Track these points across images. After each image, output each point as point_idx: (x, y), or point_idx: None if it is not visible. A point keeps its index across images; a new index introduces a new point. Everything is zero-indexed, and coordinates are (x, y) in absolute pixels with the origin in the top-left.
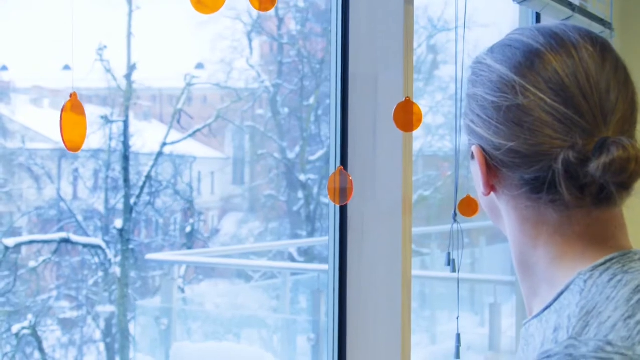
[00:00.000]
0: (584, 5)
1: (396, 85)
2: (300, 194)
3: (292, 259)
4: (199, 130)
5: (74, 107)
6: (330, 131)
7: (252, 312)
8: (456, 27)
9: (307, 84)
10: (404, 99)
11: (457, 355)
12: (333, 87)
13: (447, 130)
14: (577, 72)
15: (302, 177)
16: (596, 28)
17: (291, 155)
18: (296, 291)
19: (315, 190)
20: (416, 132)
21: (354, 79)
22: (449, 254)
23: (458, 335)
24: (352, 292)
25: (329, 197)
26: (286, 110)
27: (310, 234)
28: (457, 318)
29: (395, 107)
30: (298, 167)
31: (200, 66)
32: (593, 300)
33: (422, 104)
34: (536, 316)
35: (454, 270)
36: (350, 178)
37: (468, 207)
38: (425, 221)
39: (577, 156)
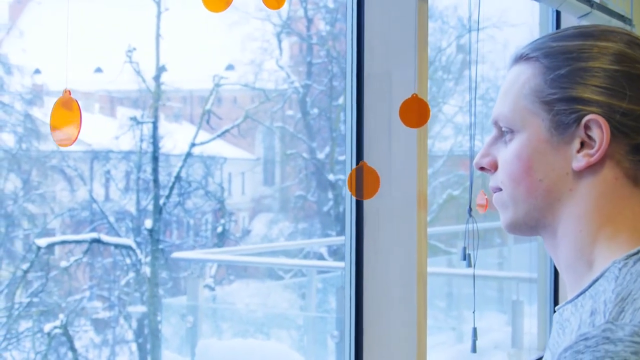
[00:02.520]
0: (604, 2)
1: (410, 82)
2: (330, 194)
3: (323, 259)
4: (227, 130)
5: (64, 103)
6: (346, 129)
7: (281, 311)
8: (469, 29)
9: (336, 84)
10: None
11: (474, 349)
12: (349, 85)
13: (477, 130)
14: None
15: (332, 177)
16: (616, 24)
17: (320, 155)
18: (324, 290)
19: (345, 190)
20: (446, 132)
21: (368, 77)
22: (464, 248)
23: (474, 330)
24: (369, 287)
25: (349, 191)
26: (315, 110)
27: (340, 234)
28: (474, 312)
29: (401, 103)
30: (327, 167)
31: (230, 67)
32: (627, 288)
33: (452, 103)
34: (570, 301)
35: (469, 265)
36: (377, 173)
37: None
38: (454, 220)
39: None
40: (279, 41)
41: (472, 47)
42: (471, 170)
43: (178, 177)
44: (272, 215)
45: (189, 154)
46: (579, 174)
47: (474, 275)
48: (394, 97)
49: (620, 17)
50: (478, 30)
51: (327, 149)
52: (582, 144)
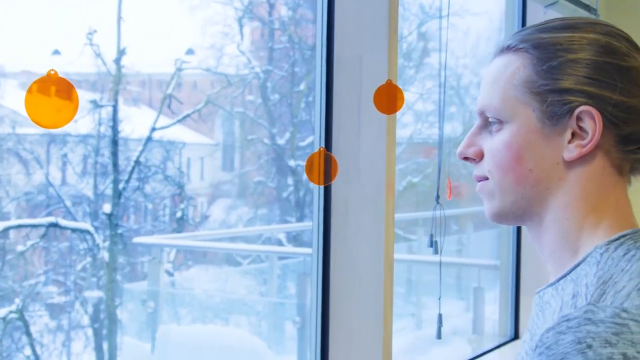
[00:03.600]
0: None
1: (380, 68)
2: (290, 181)
3: (281, 245)
4: (188, 115)
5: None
6: (314, 114)
7: (240, 297)
8: (440, 16)
9: (297, 70)
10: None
11: (439, 335)
12: (318, 70)
13: (437, 118)
14: None
15: (292, 163)
16: (581, 14)
17: (281, 141)
18: (283, 276)
19: (305, 176)
20: (406, 120)
21: (338, 62)
22: (431, 235)
23: (440, 316)
24: (336, 274)
25: (308, 177)
26: (276, 96)
27: (300, 220)
28: (439, 299)
29: (375, 89)
30: (288, 154)
31: (190, 52)
32: (609, 271)
33: (412, 91)
34: (551, 284)
35: (436, 252)
36: (335, 158)
37: None
38: (414, 207)
39: None
40: (240, 26)
41: (441, 35)
42: (440, 157)
43: (138, 162)
44: (231, 200)
45: (149, 139)
46: (570, 163)
47: (440, 263)
48: (364, 83)
49: (586, 7)
50: (441, 17)
51: (287, 135)
52: (573, 135)
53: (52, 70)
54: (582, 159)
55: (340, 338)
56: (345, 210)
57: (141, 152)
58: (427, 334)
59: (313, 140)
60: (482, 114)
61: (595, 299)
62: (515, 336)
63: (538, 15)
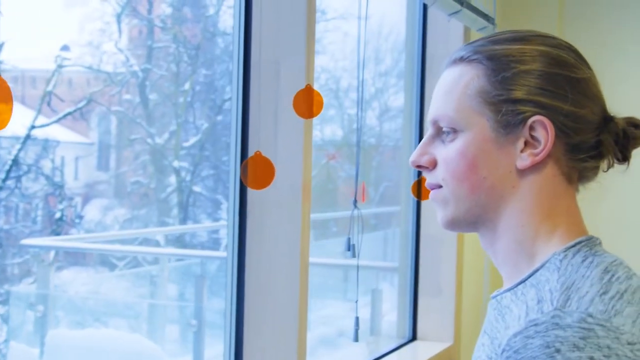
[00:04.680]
0: (472, 2)
1: (298, 72)
2: (169, 181)
3: (159, 247)
4: (70, 113)
5: None
6: (231, 117)
7: (119, 300)
8: (359, 18)
9: (181, 70)
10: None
11: (356, 338)
12: (235, 73)
13: (317, 120)
14: None
15: (176, 164)
16: (481, 23)
17: (160, 141)
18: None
19: (188, 177)
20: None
21: (255, 66)
22: (348, 239)
23: (357, 319)
24: (251, 276)
25: (242, 181)
26: (156, 96)
27: (183, 222)
28: (356, 302)
29: (295, 94)
30: (168, 154)
31: (65, 48)
32: (571, 278)
33: None
34: (509, 289)
35: (354, 256)
36: (272, 163)
37: (425, 188)
38: (314, 209)
39: (630, 126)
40: (119, 23)
41: (359, 37)
42: (357, 161)
43: (16, 161)
44: (107, 201)
45: (28, 137)
46: (522, 172)
47: (357, 266)
48: (282, 87)
49: (485, 17)
50: (362, 18)
51: (167, 135)
52: (526, 143)
53: None
54: (534, 168)
55: (255, 340)
56: (261, 213)
57: (19, 150)
58: (313, 335)
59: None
60: (435, 123)
61: (561, 304)
62: (414, 337)
63: (439, 22)
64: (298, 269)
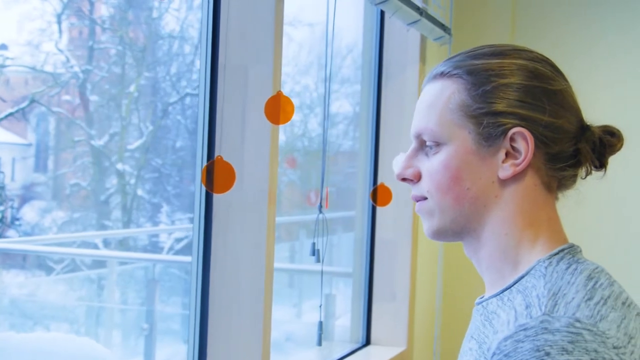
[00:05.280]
0: (425, 8)
1: (267, 77)
2: (109, 184)
3: (97, 249)
4: (12, 114)
5: None
6: (198, 121)
7: (61, 304)
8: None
9: (126, 72)
10: (274, 93)
11: (319, 342)
12: (202, 77)
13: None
14: None
15: (120, 167)
16: (438, 32)
17: (100, 142)
18: (122, 282)
19: (133, 180)
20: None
21: (223, 70)
22: (313, 244)
23: (320, 323)
24: (215, 281)
25: (204, 185)
26: (97, 97)
27: (126, 225)
28: (320, 307)
29: (266, 100)
30: (111, 156)
31: (3, 47)
32: (557, 284)
33: None
34: (495, 295)
35: (318, 261)
36: (233, 167)
37: (383, 195)
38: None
39: (606, 134)
40: (59, 23)
41: (327, 43)
42: (323, 167)
43: None
44: (45, 203)
45: None
46: (504, 182)
47: (322, 271)
48: (250, 92)
49: (442, 27)
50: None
51: (107, 137)
52: (507, 154)
53: None
54: (516, 177)
55: (219, 343)
56: (227, 217)
57: None
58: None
59: (144, 145)
60: (418, 136)
61: (549, 309)
62: (367, 342)
63: (397, 31)
64: (263, 272)
